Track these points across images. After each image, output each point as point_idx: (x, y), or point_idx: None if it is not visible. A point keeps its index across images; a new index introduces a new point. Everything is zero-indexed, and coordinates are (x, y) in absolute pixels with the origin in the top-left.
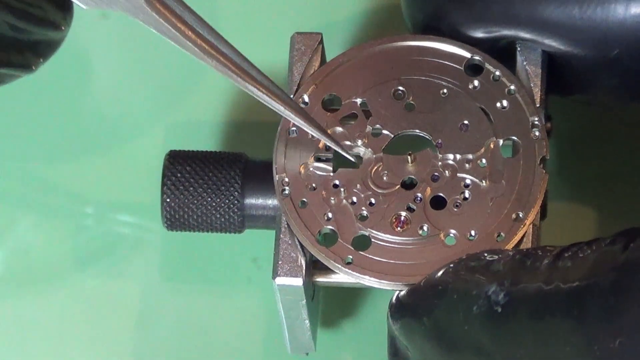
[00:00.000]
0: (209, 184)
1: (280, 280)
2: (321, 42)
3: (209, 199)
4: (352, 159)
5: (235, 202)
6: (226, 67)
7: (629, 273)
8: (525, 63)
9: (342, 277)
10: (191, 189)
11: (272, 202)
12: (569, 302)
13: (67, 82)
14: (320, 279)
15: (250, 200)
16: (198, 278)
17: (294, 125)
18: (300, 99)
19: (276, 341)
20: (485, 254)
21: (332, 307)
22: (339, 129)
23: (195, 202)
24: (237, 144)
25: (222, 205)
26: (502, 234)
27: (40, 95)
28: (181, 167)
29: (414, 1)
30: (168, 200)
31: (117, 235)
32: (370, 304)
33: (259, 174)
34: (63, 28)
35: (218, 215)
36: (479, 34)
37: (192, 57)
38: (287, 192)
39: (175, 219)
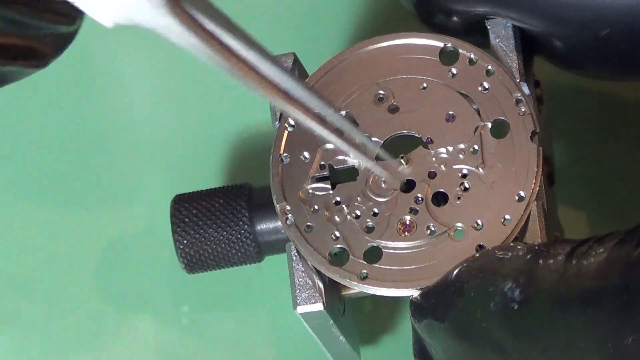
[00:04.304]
0: (218, 221)
1: (301, 309)
2: (296, 61)
3: (221, 236)
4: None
5: (247, 232)
6: (267, 89)
7: (638, 275)
8: (497, 40)
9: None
10: (201, 230)
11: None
12: (583, 299)
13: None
14: (348, 292)
15: (261, 227)
16: (197, 278)
17: (285, 151)
18: (286, 123)
19: (277, 342)
20: (497, 251)
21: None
22: (329, 145)
23: (208, 241)
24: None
25: (235, 238)
26: (507, 216)
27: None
28: (187, 210)
29: None
30: (182, 246)
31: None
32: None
33: (264, 200)
34: (75, 21)
35: (234, 251)
36: (459, 6)
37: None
38: (290, 220)
39: (193, 262)
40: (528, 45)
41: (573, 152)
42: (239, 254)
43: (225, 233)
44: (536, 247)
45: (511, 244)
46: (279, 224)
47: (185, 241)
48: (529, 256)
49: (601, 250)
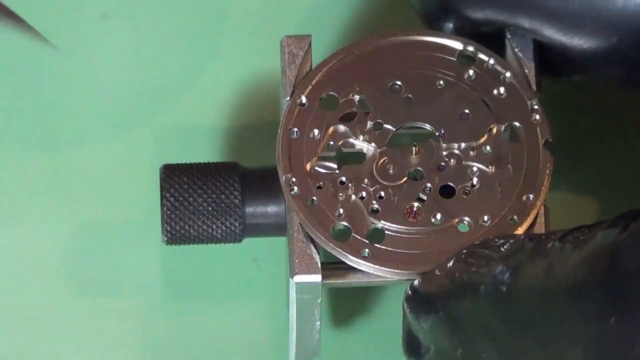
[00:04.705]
0: (209, 192)
1: (298, 278)
2: (310, 43)
3: (210, 208)
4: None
5: (236, 210)
6: None
7: (626, 254)
8: (517, 50)
9: (351, 277)
10: (191, 199)
11: (272, 209)
12: (570, 282)
13: (63, 81)
14: (330, 281)
15: (250, 209)
16: (197, 278)
17: (294, 125)
18: (298, 100)
19: (279, 341)
20: (496, 239)
21: (335, 308)
22: (340, 127)
23: (196, 211)
24: (227, 153)
25: (223, 214)
26: (514, 217)
27: (32, 94)
28: (179, 180)
29: None
30: (168, 212)
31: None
32: (372, 305)
33: (256, 182)
34: None
35: (219, 225)
36: (477, 15)
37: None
38: (295, 191)
39: (175, 232)
40: (542, 61)
41: (569, 154)
42: (223, 230)
43: (214, 205)
44: (529, 235)
45: (508, 234)
46: (268, 208)
47: (173, 207)
48: (521, 242)
49: (589, 236)
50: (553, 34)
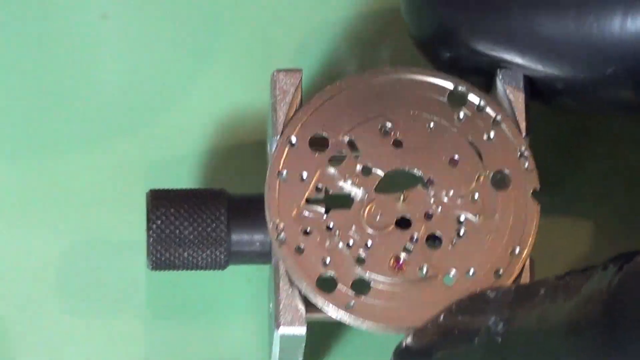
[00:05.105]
0: (195, 224)
1: (283, 330)
2: (301, 79)
3: (196, 241)
4: None
5: (222, 243)
6: None
7: (622, 295)
8: (507, 91)
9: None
10: (177, 231)
11: (258, 237)
12: (564, 333)
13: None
14: (315, 315)
15: (236, 237)
16: (184, 294)
17: (284, 167)
18: (288, 140)
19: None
20: (486, 292)
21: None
22: (329, 169)
23: (182, 242)
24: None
25: (209, 246)
26: (501, 270)
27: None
28: (165, 210)
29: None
30: (154, 243)
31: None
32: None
33: (243, 210)
34: None
35: (204, 255)
36: (473, 46)
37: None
38: (283, 237)
39: (161, 261)
40: (533, 91)
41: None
42: (208, 260)
43: (200, 237)
44: (521, 285)
45: (499, 286)
46: (255, 236)
47: (159, 239)
48: (513, 293)
49: (583, 280)
50: (548, 66)
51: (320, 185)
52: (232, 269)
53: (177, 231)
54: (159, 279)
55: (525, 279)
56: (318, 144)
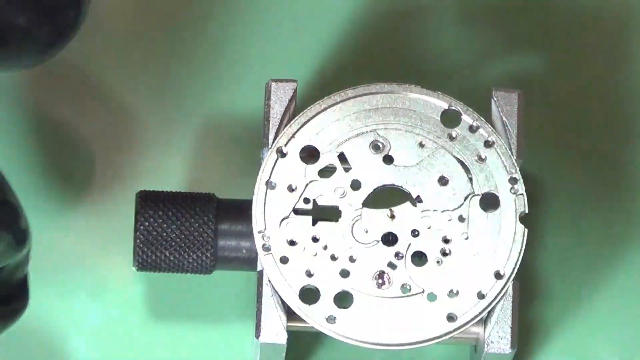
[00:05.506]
0: (182, 230)
1: (264, 339)
2: (296, 89)
3: (182, 243)
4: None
5: (208, 247)
6: None
7: None
8: (502, 113)
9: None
10: (164, 234)
11: (245, 244)
12: None
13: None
14: (297, 325)
15: (223, 242)
16: (187, 283)
17: (273, 177)
18: (279, 150)
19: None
20: None
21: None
22: (319, 181)
23: (168, 245)
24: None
25: (195, 250)
26: (483, 290)
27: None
28: (153, 212)
29: None
30: (141, 244)
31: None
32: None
33: (232, 216)
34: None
35: (190, 260)
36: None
37: None
38: (268, 247)
39: (147, 262)
40: None
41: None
42: (195, 264)
43: (187, 241)
44: None
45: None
46: (241, 243)
47: (146, 240)
48: None
49: None
50: None
51: (308, 197)
52: (223, 275)
53: (165, 233)
54: (151, 282)
55: (508, 301)
56: (309, 155)
